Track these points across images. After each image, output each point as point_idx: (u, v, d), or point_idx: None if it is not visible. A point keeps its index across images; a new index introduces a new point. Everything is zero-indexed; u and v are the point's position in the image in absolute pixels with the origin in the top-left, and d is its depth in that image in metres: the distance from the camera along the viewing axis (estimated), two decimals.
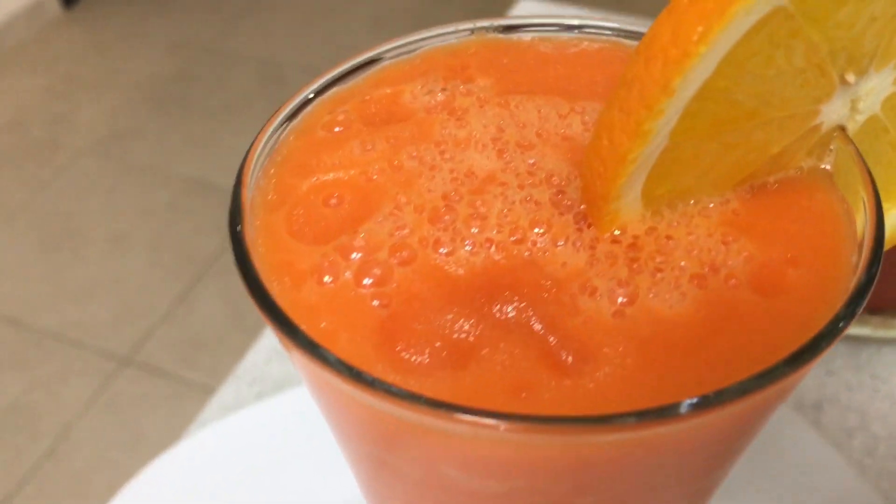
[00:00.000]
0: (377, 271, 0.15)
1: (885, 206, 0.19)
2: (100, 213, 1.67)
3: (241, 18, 2.22)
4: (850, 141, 0.17)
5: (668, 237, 0.16)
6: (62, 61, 2.09)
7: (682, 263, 0.16)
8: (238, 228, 0.14)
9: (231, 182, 0.16)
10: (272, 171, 0.17)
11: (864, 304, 0.15)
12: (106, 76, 2.04)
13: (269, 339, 0.45)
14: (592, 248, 0.16)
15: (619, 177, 0.14)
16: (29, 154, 1.83)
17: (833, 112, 0.17)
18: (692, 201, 0.16)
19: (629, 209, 0.15)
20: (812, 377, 0.44)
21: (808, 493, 0.39)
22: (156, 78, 1.99)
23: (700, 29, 0.14)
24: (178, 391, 1.32)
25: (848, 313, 0.14)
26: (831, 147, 0.18)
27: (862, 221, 0.16)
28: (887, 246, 0.20)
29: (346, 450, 0.17)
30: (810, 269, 0.16)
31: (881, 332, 0.44)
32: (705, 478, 0.16)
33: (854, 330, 0.44)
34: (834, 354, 0.44)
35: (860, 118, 0.17)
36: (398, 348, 0.14)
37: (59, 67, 2.07)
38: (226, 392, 0.45)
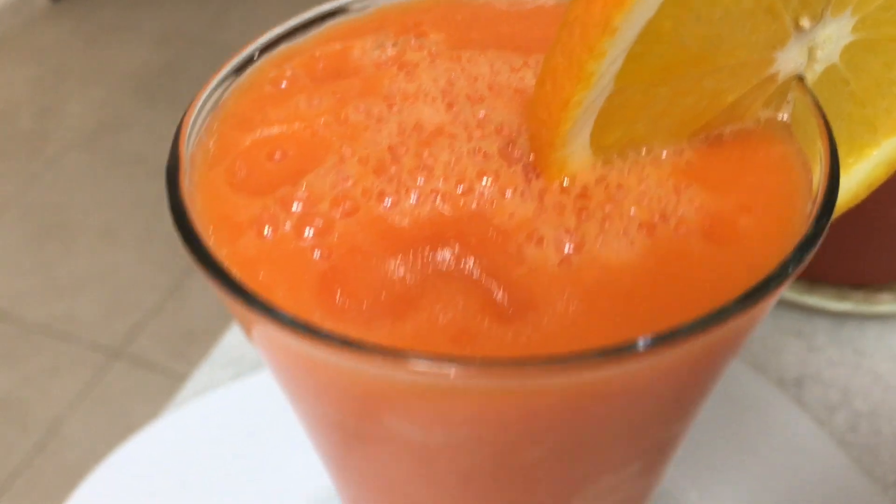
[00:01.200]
0: (318, 222, 0.14)
1: (847, 160, 0.19)
2: (89, 205, 1.67)
3: (230, 9, 2.22)
4: (809, 91, 0.17)
5: (619, 186, 0.15)
6: (50, 53, 2.08)
7: (632, 212, 0.15)
8: (174, 182, 0.14)
9: None
10: (215, 126, 0.16)
11: (815, 250, 0.14)
12: (94, 68, 2.04)
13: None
14: (541, 198, 0.15)
15: (564, 122, 0.14)
16: (18, 146, 1.82)
17: (789, 60, 0.17)
18: (644, 150, 0.16)
19: (578, 157, 0.15)
20: (794, 353, 0.44)
21: (792, 471, 0.39)
22: (144, 70, 1.99)
23: None
24: (169, 384, 1.32)
25: (797, 258, 0.14)
26: (789, 98, 0.17)
27: (818, 173, 0.16)
28: (851, 202, 0.20)
29: (299, 415, 0.17)
30: (763, 219, 0.16)
31: (864, 307, 0.44)
32: (658, 432, 0.16)
33: (836, 305, 0.43)
34: (816, 329, 0.44)
35: (818, 68, 0.17)
36: (338, 299, 0.14)
37: (47, 59, 2.06)
38: (200, 377, 0.45)
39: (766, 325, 0.45)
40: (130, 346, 1.38)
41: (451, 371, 0.12)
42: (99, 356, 1.36)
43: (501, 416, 0.13)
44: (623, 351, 0.13)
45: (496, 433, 0.14)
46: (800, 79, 0.17)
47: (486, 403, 0.13)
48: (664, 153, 0.16)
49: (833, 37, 0.17)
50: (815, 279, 0.43)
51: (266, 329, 0.13)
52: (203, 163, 0.16)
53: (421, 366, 0.12)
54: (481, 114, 0.17)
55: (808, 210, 0.15)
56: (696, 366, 0.14)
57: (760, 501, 0.37)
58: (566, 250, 0.15)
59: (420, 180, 0.15)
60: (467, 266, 0.14)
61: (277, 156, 0.16)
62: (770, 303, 0.15)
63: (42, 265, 1.54)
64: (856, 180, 0.18)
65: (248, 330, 0.15)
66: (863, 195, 0.18)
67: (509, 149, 0.16)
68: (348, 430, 0.15)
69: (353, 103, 0.16)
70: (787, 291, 0.42)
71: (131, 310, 1.44)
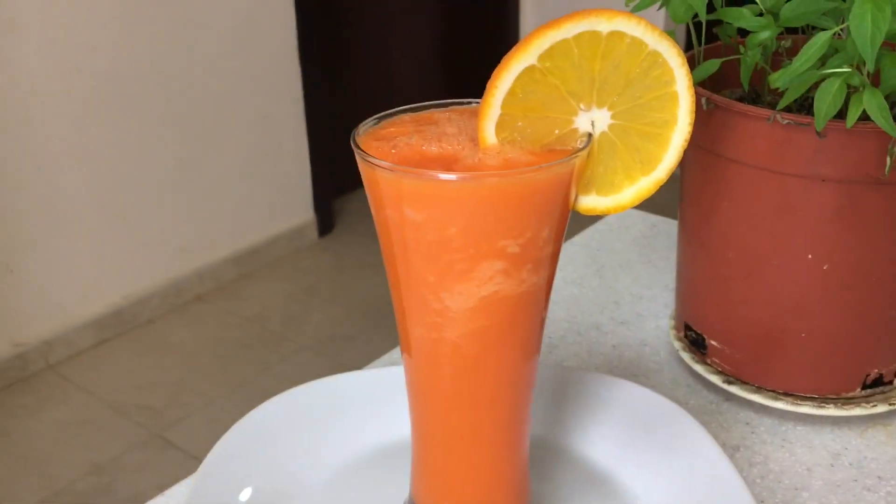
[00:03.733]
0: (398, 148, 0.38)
1: (623, 185, 0.40)
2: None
3: None
4: (588, 142, 0.38)
5: (503, 151, 0.37)
6: (307, 275, 2.55)
7: (509, 153, 0.37)
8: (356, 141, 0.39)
9: None
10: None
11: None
12: (337, 291, 2.45)
13: None
14: (475, 149, 0.37)
15: (483, 119, 0.37)
16: (263, 343, 2.22)
17: (582, 123, 0.38)
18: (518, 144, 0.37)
19: (490, 139, 0.37)
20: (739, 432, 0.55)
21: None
22: (375, 298, 2.36)
23: (497, 74, 0.36)
24: None
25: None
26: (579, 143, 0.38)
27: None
28: (620, 209, 0.40)
29: (378, 221, 0.38)
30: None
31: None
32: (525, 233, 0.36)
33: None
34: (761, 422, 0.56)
35: (598, 131, 0.39)
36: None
37: (303, 279, 2.52)
38: None
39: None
40: None
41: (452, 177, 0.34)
42: None
43: (465, 205, 0.34)
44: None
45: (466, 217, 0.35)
46: (590, 134, 0.39)
47: (457, 197, 0.34)
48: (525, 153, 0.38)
49: (601, 118, 0.39)
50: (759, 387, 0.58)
51: (378, 173, 0.36)
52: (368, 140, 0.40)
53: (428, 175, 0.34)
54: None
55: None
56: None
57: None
58: (476, 160, 0.36)
59: (435, 146, 0.38)
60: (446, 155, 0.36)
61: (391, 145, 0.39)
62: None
63: None
64: (626, 197, 0.39)
65: (370, 183, 0.38)
66: (627, 206, 0.39)
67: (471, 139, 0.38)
68: (387, 219, 0.37)
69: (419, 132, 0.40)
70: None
71: None
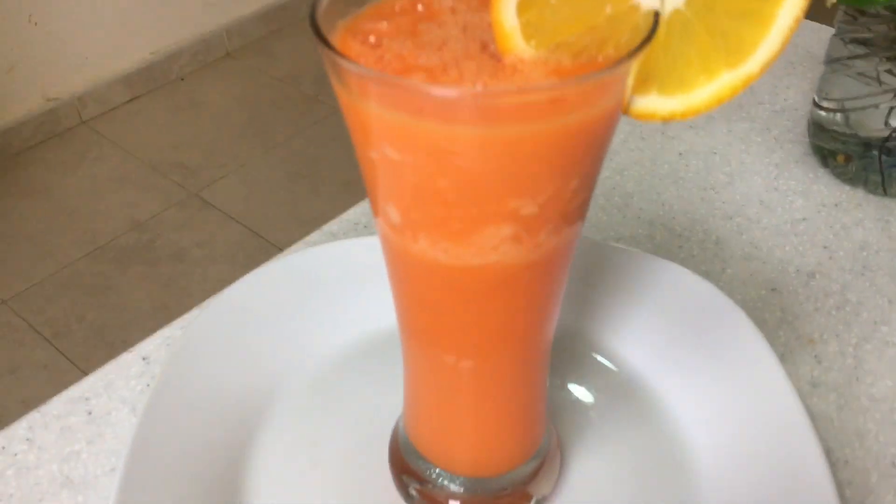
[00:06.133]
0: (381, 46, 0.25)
1: (698, 80, 0.28)
2: (337, 161, 1.92)
3: None
4: (655, 30, 0.26)
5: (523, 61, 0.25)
6: None
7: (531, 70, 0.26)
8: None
9: None
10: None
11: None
12: None
13: None
14: (485, 53, 0.26)
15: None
16: (295, 105, 2.13)
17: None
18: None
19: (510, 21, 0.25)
20: None
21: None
22: None
23: None
24: None
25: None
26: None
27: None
28: (703, 109, 0.29)
29: (357, 147, 0.27)
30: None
31: None
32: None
33: None
34: None
35: (669, 7, 0.27)
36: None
37: None
38: None
39: None
40: None
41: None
42: None
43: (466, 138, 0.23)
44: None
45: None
46: (656, 14, 0.27)
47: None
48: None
49: None
50: None
51: (354, 76, 0.24)
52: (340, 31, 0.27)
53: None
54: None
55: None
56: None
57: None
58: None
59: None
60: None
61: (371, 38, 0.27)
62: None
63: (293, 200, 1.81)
64: (699, 97, 0.27)
65: (344, 83, 0.25)
66: (701, 110, 0.28)
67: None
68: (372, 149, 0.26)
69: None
70: None
71: None
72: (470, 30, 0.29)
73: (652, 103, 0.29)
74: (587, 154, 0.28)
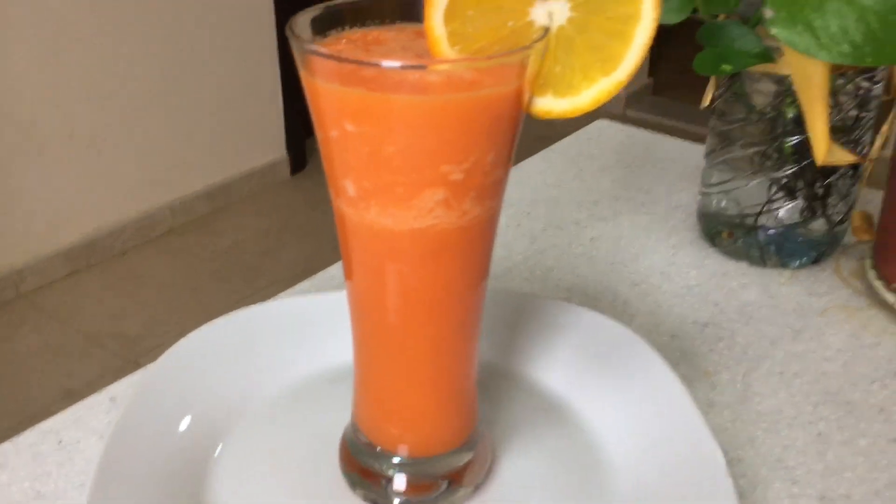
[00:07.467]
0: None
1: (582, 85, 0.37)
2: None
3: None
4: (545, 36, 0.35)
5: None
6: (280, 211, 2.52)
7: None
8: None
9: None
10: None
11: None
12: (310, 227, 2.43)
13: None
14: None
15: (431, 5, 0.34)
16: (238, 276, 2.20)
17: (538, 16, 0.36)
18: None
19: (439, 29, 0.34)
20: None
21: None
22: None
23: None
24: None
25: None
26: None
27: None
28: (578, 112, 0.38)
29: (318, 127, 0.36)
30: None
31: None
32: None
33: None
34: None
35: (555, 24, 0.36)
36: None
37: (276, 215, 2.50)
38: None
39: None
40: None
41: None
42: None
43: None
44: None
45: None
46: (546, 28, 0.36)
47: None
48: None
49: (559, 10, 0.36)
50: None
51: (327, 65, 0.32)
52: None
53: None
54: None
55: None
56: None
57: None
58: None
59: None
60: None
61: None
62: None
63: None
64: (584, 99, 0.36)
65: (312, 70, 0.34)
66: (586, 109, 0.37)
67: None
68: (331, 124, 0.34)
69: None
70: None
71: None
72: (409, 49, 0.38)
73: (548, 104, 0.38)
74: (498, 128, 0.36)
